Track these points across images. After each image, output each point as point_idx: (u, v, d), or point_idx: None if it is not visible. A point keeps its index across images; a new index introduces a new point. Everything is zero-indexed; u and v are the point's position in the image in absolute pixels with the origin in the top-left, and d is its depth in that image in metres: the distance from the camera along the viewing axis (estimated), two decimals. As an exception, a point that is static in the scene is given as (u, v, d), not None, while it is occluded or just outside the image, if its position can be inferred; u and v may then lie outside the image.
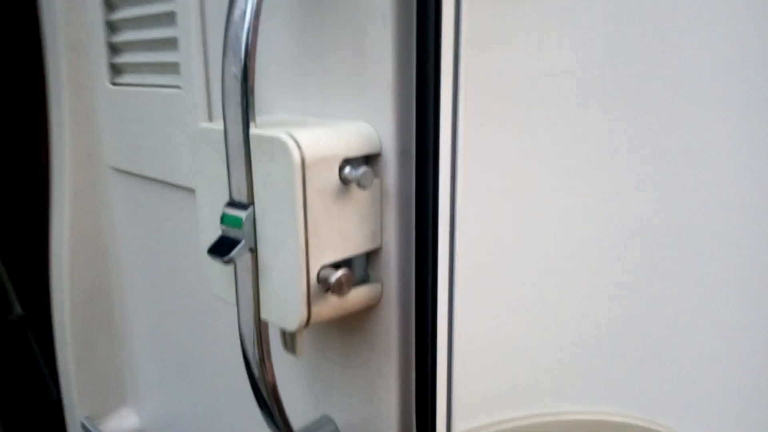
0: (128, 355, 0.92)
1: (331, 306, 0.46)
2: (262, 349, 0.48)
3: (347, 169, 0.45)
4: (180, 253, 0.73)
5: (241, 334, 0.48)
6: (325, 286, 0.45)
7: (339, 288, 0.45)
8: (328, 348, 0.56)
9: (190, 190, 0.66)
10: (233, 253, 0.46)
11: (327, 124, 0.47)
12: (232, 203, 0.47)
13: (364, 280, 0.50)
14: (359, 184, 0.45)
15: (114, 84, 0.77)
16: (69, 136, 0.83)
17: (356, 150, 0.45)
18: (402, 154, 0.46)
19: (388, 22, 0.43)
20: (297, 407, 0.58)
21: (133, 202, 0.81)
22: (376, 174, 0.47)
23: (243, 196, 0.46)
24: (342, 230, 0.46)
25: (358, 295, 0.48)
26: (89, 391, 0.91)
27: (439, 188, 0.45)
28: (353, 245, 0.47)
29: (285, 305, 0.46)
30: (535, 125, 0.48)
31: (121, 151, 0.79)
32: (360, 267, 0.50)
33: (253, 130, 0.44)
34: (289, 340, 0.51)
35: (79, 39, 0.80)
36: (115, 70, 0.77)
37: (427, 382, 0.49)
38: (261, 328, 0.48)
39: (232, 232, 0.47)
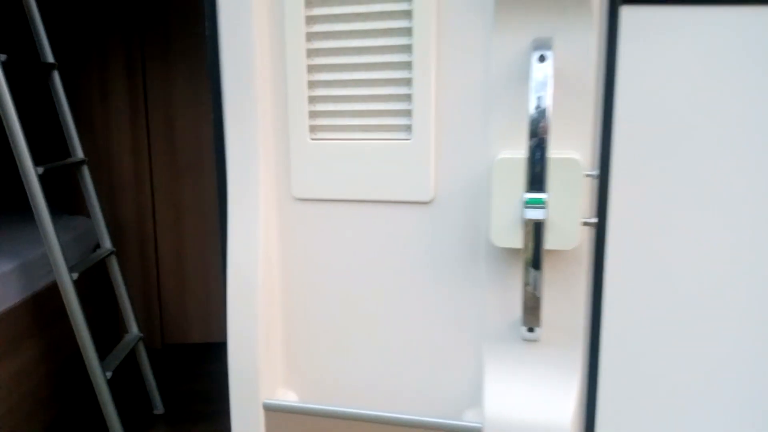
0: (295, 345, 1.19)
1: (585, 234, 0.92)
2: (540, 263, 0.91)
3: (588, 173, 0.92)
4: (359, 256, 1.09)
5: (530, 258, 0.90)
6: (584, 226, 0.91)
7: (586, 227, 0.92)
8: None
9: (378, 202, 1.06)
10: (540, 213, 0.89)
11: (567, 151, 0.92)
12: (533, 193, 0.90)
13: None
14: (592, 177, 0.92)
15: (314, 139, 1.09)
16: (261, 173, 1.11)
17: (588, 170, 0.93)
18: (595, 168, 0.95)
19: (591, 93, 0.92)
20: None
21: (319, 223, 1.12)
22: (593, 175, 0.95)
23: (540, 189, 0.89)
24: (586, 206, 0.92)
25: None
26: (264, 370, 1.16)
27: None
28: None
29: (567, 236, 0.90)
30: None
31: (316, 183, 1.10)
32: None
33: (551, 154, 0.89)
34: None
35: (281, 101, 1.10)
36: (316, 127, 1.09)
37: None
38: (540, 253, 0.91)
39: (534, 210, 0.90)
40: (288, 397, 1.22)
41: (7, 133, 1.90)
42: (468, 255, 1.06)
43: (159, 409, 2.48)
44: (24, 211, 2.97)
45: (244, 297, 1.14)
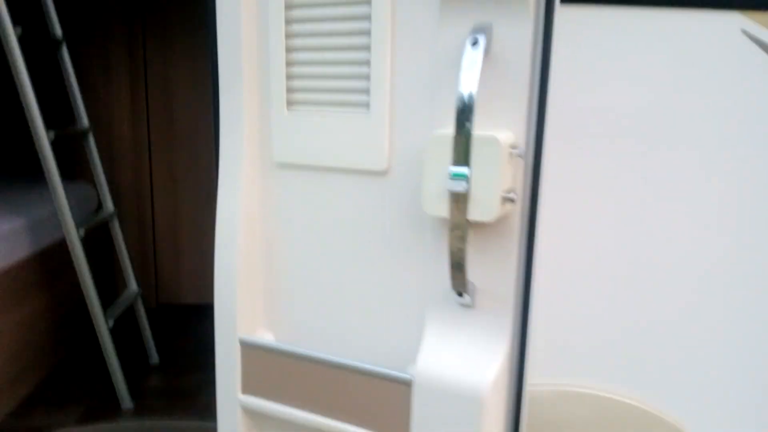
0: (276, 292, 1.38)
1: (504, 209, 1.10)
2: (464, 233, 1.08)
3: (513, 150, 1.09)
4: (335, 215, 1.27)
5: (454, 226, 1.07)
6: (504, 201, 1.09)
7: (510, 202, 1.09)
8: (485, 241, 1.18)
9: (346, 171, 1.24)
10: (462, 186, 1.05)
11: (498, 130, 1.10)
12: (457, 168, 1.07)
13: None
14: (518, 156, 1.10)
15: (290, 110, 1.28)
16: (246, 140, 1.30)
17: (515, 141, 1.10)
18: (528, 146, 1.12)
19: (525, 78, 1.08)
20: None
21: (296, 188, 1.30)
22: (520, 154, 1.11)
23: (465, 163, 1.06)
24: (509, 181, 1.09)
25: (507, 209, 1.12)
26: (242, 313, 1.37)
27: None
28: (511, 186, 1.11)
29: (486, 208, 1.07)
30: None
31: (292, 151, 1.29)
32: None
33: (476, 133, 1.06)
34: (468, 231, 1.12)
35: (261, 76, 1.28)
36: (292, 101, 1.27)
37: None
38: (463, 223, 1.07)
39: (456, 182, 1.06)
40: (266, 338, 1.42)
41: (22, 101, 2.09)
42: (415, 222, 1.22)
43: (155, 359, 2.70)
44: (32, 175, 3.17)
45: (228, 244, 1.34)
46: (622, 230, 1.49)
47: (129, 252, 2.62)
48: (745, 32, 1.46)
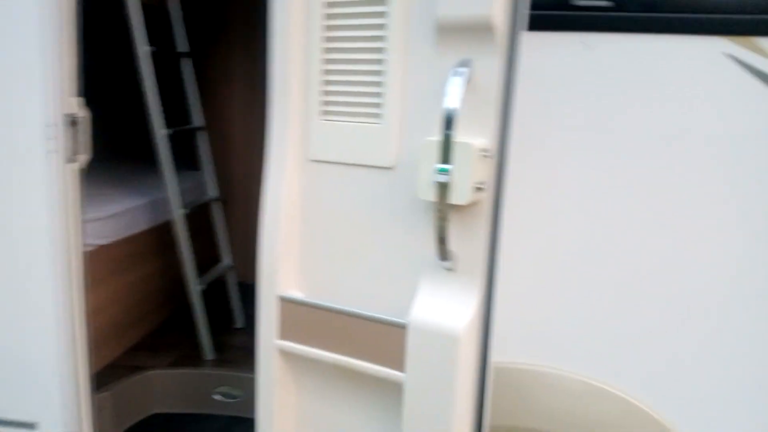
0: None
1: (475, 197, 1.38)
2: (446, 213, 1.38)
3: (483, 152, 1.38)
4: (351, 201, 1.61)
5: (438, 208, 1.37)
6: (476, 190, 1.38)
7: (478, 191, 1.38)
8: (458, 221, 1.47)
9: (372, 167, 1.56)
10: (445, 177, 1.36)
11: (474, 137, 1.39)
12: (442, 164, 1.37)
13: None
14: (487, 157, 1.38)
15: (324, 119, 1.63)
16: (289, 140, 1.67)
17: (486, 146, 1.39)
18: (496, 150, 1.40)
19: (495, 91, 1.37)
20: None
21: (325, 178, 1.66)
22: (490, 156, 1.40)
23: (447, 162, 1.36)
24: (480, 176, 1.38)
25: (478, 196, 1.40)
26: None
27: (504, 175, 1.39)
28: (482, 180, 1.40)
29: (461, 194, 1.37)
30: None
31: (323, 150, 1.64)
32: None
33: (456, 139, 1.36)
34: (451, 214, 1.42)
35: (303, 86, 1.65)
36: (325, 112, 1.63)
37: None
38: (445, 206, 1.38)
39: (441, 175, 1.36)
40: (297, 295, 1.78)
41: (146, 104, 2.62)
42: (414, 205, 1.55)
43: (240, 323, 3.17)
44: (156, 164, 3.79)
45: (272, 222, 1.72)
46: (602, 224, 1.73)
47: (234, 233, 3.08)
48: (728, 55, 1.64)
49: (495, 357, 1.62)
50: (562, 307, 1.82)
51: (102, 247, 2.68)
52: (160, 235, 3.07)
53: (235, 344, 2.96)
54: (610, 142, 1.72)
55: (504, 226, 1.46)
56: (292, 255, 1.76)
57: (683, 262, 1.72)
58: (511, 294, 1.75)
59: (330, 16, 1.58)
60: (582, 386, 1.81)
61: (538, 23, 1.71)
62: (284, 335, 1.76)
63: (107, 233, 2.70)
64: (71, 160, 2.01)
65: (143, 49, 2.59)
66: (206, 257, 3.48)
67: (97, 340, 2.56)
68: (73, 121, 1.99)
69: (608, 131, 1.74)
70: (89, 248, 2.58)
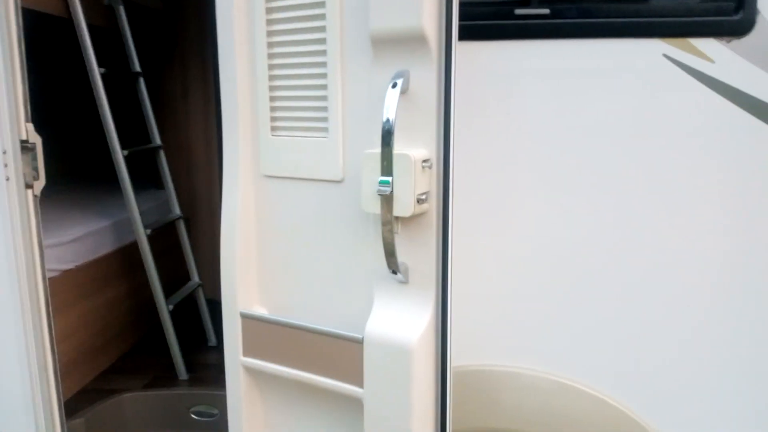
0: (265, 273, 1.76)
1: (420, 208, 1.40)
2: (392, 226, 1.39)
3: (424, 163, 1.40)
4: (309, 212, 1.62)
5: (384, 221, 1.38)
6: (419, 201, 1.39)
7: (422, 203, 1.40)
8: (405, 232, 1.49)
9: (319, 181, 1.57)
10: (387, 190, 1.37)
11: (415, 148, 1.41)
12: (383, 177, 1.38)
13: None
14: (428, 167, 1.40)
15: (273, 135, 1.64)
16: (241, 157, 1.68)
17: (427, 156, 1.40)
18: (439, 160, 1.42)
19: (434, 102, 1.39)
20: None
21: (278, 193, 1.67)
22: (431, 166, 1.42)
23: (388, 174, 1.38)
24: (423, 186, 1.40)
25: (422, 208, 1.42)
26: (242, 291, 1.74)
27: (450, 185, 1.41)
28: (426, 190, 1.42)
29: (404, 207, 1.38)
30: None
31: (274, 165, 1.65)
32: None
33: (395, 150, 1.37)
34: (396, 224, 1.43)
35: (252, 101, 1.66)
36: (274, 128, 1.64)
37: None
38: (393, 219, 1.39)
39: (383, 188, 1.38)
40: (260, 311, 1.79)
41: (104, 128, 2.60)
42: (363, 218, 1.55)
43: (212, 341, 3.16)
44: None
45: (230, 237, 1.72)
46: (559, 222, 1.77)
47: (200, 251, 3.07)
48: (666, 56, 1.70)
49: (464, 360, 1.64)
50: (531, 307, 1.85)
51: (67, 272, 2.66)
52: (126, 257, 3.06)
53: (209, 362, 2.95)
54: (555, 143, 1.76)
55: (454, 235, 1.46)
56: (252, 271, 1.77)
57: (659, 265, 1.77)
58: (477, 297, 1.77)
59: (272, 33, 1.59)
60: (555, 385, 1.84)
61: (484, 33, 1.75)
62: (248, 352, 1.76)
63: (71, 257, 2.68)
64: (28, 185, 2.00)
65: (95, 71, 2.58)
66: (175, 275, 3.47)
67: (67, 366, 2.54)
68: (26, 147, 1.98)
69: (552, 133, 1.78)
70: (54, 274, 2.56)
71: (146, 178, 3.68)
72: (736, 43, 1.69)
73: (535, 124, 1.77)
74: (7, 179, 1.96)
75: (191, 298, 3.12)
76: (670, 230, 1.75)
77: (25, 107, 1.97)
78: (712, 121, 1.73)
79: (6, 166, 1.95)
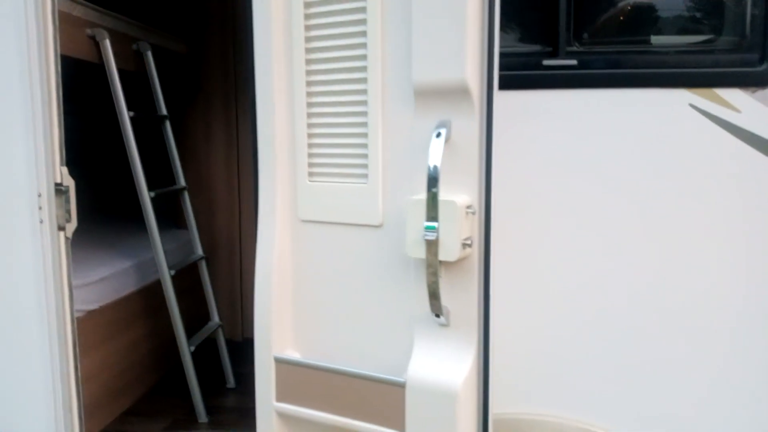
0: (302, 316, 1.76)
1: (464, 253, 1.43)
2: (436, 270, 1.41)
3: (468, 208, 1.43)
4: (348, 258, 1.64)
5: (429, 265, 1.41)
6: (464, 246, 1.42)
7: (466, 247, 1.42)
8: (448, 276, 1.51)
9: (359, 225, 1.60)
10: (433, 235, 1.40)
11: (458, 194, 1.44)
12: (429, 222, 1.41)
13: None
14: (472, 213, 1.43)
15: (311, 181, 1.67)
16: (278, 202, 1.71)
17: (470, 202, 1.43)
18: (480, 205, 1.45)
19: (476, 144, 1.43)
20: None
21: (315, 238, 1.70)
22: (474, 211, 1.45)
23: (434, 220, 1.41)
24: (467, 232, 1.43)
25: (466, 252, 1.45)
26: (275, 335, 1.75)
27: (491, 228, 1.44)
28: (469, 235, 1.44)
29: (450, 251, 1.41)
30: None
31: (312, 210, 1.68)
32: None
33: (440, 197, 1.40)
34: (440, 268, 1.45)
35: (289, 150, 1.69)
36: (312, 174, 1.67)
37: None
38: (438, 264, 1.41)
39: (429, 233, 1.41)
40: (293, 355, 1.79)
41: (132, 170, 2.65)
42: (403, 262, 1.58)
43: (231, 383, 3.14)
44: (143, 224, 3.79)
45: (265, 282, 1.74)
46: (593, 268, 1.78)
47: (219, 290, 3.07)
48: (692, 105, 1.74)
49: (496, 409, 1.64)
50: (562, 357, 1.85)
51: (91, 312, 2.66)
52: (148, 297, 3.06)
53: (228, 405, 2.93)
54: (588, 190, 1.78)
55: (494, 280, 1.48)
56: (286, 315, 1.77)
57: (682, 311, 1.78)
58: (510, 345, 1.78)
59: (311, 83, 1.64)
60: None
61: (513, 83, 1.79)
62: (282, 397, 1.76)
63: (96, 298, 2.69)
64: (60, 227, 2.03)
65: (125, 115, 2.64)
66: (193, 315, 3.47)
67: (89, 407, 2.53)
68: (60, 190, 2.02)
69: (578, 183, 1.81)
70: (79, 314, 2.57)
71: (166, 217, 3.71)
72: (761, 93, 1.73)
73: (564, 172, 1.80)
74: (41, 222, 1.99)
75: (209, 338, 3.11)
76: (696, 280, 1.76)
77: (61, 151, 2.02)
78: (738, 168, 1.76)
79: (40, 208, 1.99)
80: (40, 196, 1.98)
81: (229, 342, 3.27)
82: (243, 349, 3.69)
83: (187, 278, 3.32)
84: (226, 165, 3.80)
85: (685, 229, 1.76)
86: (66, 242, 2.05)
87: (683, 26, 1.83)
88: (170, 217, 3.87)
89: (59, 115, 1.98)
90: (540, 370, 1.85)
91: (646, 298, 1.78)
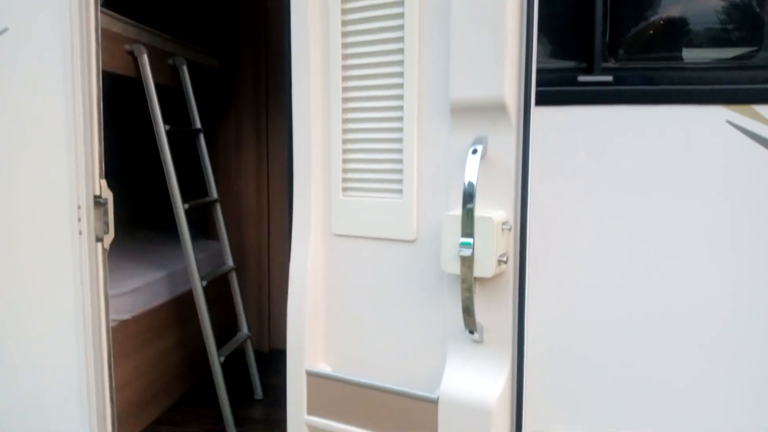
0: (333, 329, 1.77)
1: (499, 269, 1.42)
2: (471, 286, 1.41)
3: (504, 225, 1.43)
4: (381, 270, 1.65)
5: (463, 281, 1.41)
6: (499, 262, 1.42)
7: (502, 264, 1.42)
8: (484, 291, 1.51)
9: (391, 240, 1.60)
10: (468, 252, 1.40)
11: (493, 210, 1.44)
12: (464, 239, 1.42)
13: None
14: (508, 230, 1.43)
15: (344, 196, 1.69)
16: (313, 216, 1.72)
17: (506, 219, 1.43)
18: (516, 222, 1.45)
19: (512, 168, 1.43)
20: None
21: (348, 252, 1.71)
22: (510, 228, 1.45)
23: (470, 236, 1.41)
24: (502, 248, 1.43)
25: (502, 268, 1.44)
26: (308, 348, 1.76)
27: (527, 247, 1.44)
28: (504, 252, 1.44)
29: (486, 268, 1.41)
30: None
31: (346, 225, 1.69)
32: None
33: (477, 213, 1.41)
34: (475, 284, 1.45)
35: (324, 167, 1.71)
36: (346, 189, 1.69)
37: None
38: (473, 280, 1.42)
39: (464, 249, 1.41)
40: (325, 369, 1.80)
41: (167, 182, 2.69)
42: (437, 277, 1.59)
43: (259, 395, 3.16)
44: (173, 234, 3.85)
45: (298, 296, 1.75)
46: (627, 285, 1.76)
47: (248, 301, 3.08)
48: (729, 122, 1.72)
49: (530, 427, 1.62)
50: (594, 373, 1.83)
51: (124, 322, 2.71)
52: (178, 307, 3.10)
53: (256, 417, 2.95)
54: (624, 208, 1.77)
55: (528, 296, 1.48)
56: (319, 329, 1.78)
57: (725, 330, 1.75)
58: (543, 362, 1.76)
59: (347, 99, 1.65)
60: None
61: (549, 99, 1.79)
62: (313, 410, 1.77)
63: (129, 308, 2.74)
64: (98, 239, 2.06)
65: (161, 128, 2.69)
66: (222, 326, 3.50)
67: (120, 417, 2.56)
68: (99, 202, 2.06)
69: (620, 197, 1.79)
70: (112, 324, 2.61)
71: (195, 227, 3.76)
72: (800, 109, 1.71)
73: (599, 190, 1.79)
74: (80, 233, 2.03)
75: (237, 349, 3.13)
76: (738, 301, 1.73)
77: (100, 164, 2.06)
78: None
79: (80, 220, 2.03)
80: (79, 208, 2.02)
81: (256, 353, 3.29)
82: (270, 361, 3.71)
83: (215, 289, 3.35)
84: (256, 177, 3.84)
85: (724, 247, 1.74)
86: (103, 253, 2.09)
87: (720, 41, 1.81)
88: (199, 228, 3.92)
89: (100, 129, 2.03)
90: (575, 388, 1.83)
91: (686, 317, 1.76)
